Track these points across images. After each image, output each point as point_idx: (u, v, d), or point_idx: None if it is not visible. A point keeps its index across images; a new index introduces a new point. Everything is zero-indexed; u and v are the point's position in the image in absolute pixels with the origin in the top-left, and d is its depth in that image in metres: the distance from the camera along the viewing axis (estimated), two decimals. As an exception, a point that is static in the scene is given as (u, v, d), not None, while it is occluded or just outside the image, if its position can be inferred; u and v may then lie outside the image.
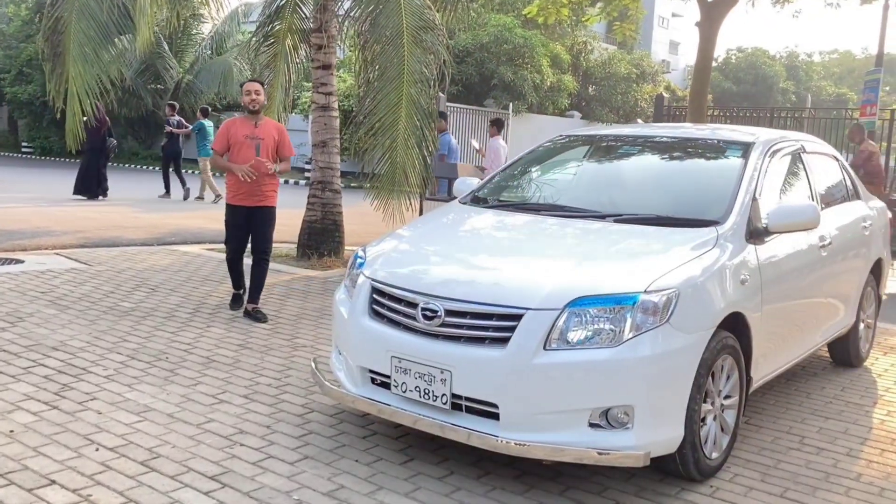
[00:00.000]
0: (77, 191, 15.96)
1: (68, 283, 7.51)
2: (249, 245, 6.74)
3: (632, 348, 3.46)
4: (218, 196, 16.50)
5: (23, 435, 3.99)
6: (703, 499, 3.74)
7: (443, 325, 3.68)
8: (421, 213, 10.35)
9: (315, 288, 8.02)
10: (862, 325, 6.07)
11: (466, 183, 5.34)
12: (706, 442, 3.84)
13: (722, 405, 3.98)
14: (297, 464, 3.86)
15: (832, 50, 71.36)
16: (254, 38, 10.66)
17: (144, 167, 28.00)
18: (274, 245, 6.92)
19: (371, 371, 3.97)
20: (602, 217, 4.39)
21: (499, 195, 5.11)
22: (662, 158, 5.14)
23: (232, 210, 6.62)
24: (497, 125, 13.28)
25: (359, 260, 4.36)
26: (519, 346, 3.49)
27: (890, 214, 6.84)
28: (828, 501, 3.79)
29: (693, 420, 3.66)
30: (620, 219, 4.32)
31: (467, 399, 3.61)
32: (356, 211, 11.21)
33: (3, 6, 33.36)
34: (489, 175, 5.56)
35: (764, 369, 4.44)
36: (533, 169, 5.34)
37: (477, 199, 5.06)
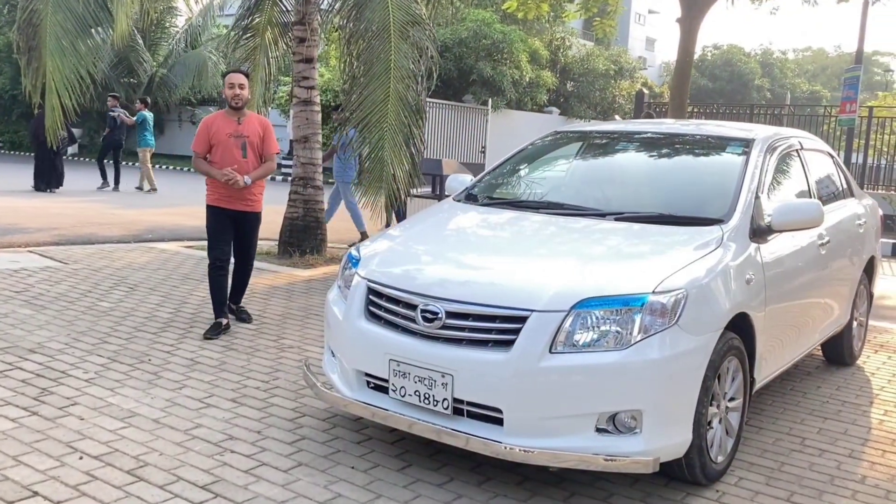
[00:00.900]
0: (36, 185, 16.14)
1: (44, 282, 7.28)
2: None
3: (640, 351, 3.35)
4: (153, 189, 17.27)
5: (2, 443, 3.80)
6: (710, 504, 3.66)
7: (444, 327, 3.55)
8: (399, 210, 10.19)
9: (299, 287, 7.86)
10: (855, 324, 6.04)
11: (459, 180, 5.20)
12: (712, 446, 3.75)
13: (727, 407, 3.89)
14: (291, 471, 3.71)
15: (806, 48, 72.07)
16: (233, 32, 10.44)
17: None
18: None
19: (367, 375, 3.83)
20: (602, 215, 4.29)
21: (494, 193, 4.99)
22: (661, 155, 5.05)
23: (215, 213, 6.02)
24: None
25: (353, 259, 4.21)
26: (524, 348, 3.37)
27: (881, 212, 6.82)
28: (835, 505, 3.73)
29: (701, 424, 3.56)
30: (622, 217, 4.21)
31: (469, 404, 3.49)
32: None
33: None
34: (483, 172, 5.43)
35: (766, 370, 4.36)
36: (529, 166, 5.23)
37: (471, 197, 4.93)
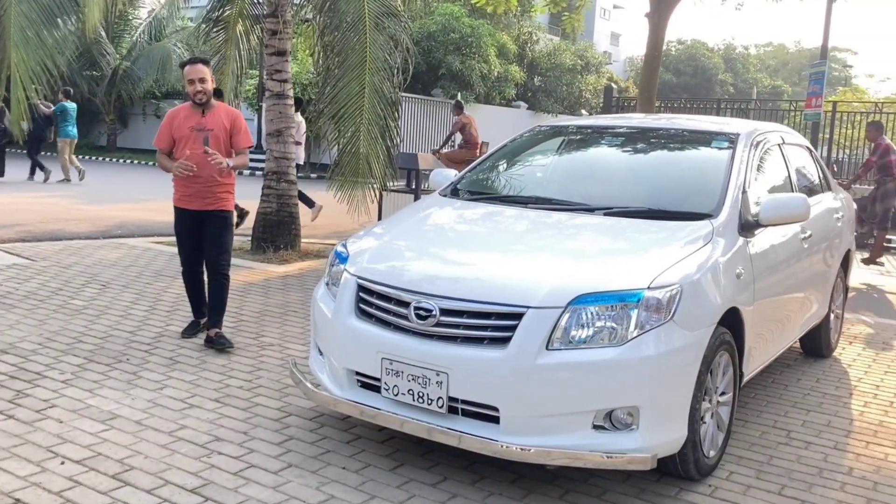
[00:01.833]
0: None
1: (11, 280, 7.08)
2: None
3: (636, 347, 3.34)
4: (67, 180, 17.27)
5: (-21, 448, 3.68)
6: (704, 499, 3.65)
7: (438, 324, 3.49)
8: (380, 205, 10.13)
9: (275, 283, 7.74)
10: (832, 316, 6.11)
11: (444, 174, 5.14)
12: (704, 440, 3.75)
13: (718, 402, 3.90)
14: (281, 473, 3.64)
15: (767, 43, 72.94)
16: (203, 24, 10.25)
17: (78, 156, 26.93)
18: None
19: (358, 373, 3.77)
20: (591, 210, 4.27)
21: (480, 187, 4.94)
22: (648, 150, 5.04)
23: (179, 214, 5.57)
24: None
25: (340, 256, 4.14)
26: (520, 346, 3.33)
27: (855, 206, 6.91)
28: (826, 498, 3.74)
29: (695, 419, 3.56)
30: (611, 212, 4.19)
31: (464, 402, 3.45)
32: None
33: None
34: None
35: (754, 363, 4.39)
36: (515, 160, 5.19)
37: (457, 192, 4.88)
